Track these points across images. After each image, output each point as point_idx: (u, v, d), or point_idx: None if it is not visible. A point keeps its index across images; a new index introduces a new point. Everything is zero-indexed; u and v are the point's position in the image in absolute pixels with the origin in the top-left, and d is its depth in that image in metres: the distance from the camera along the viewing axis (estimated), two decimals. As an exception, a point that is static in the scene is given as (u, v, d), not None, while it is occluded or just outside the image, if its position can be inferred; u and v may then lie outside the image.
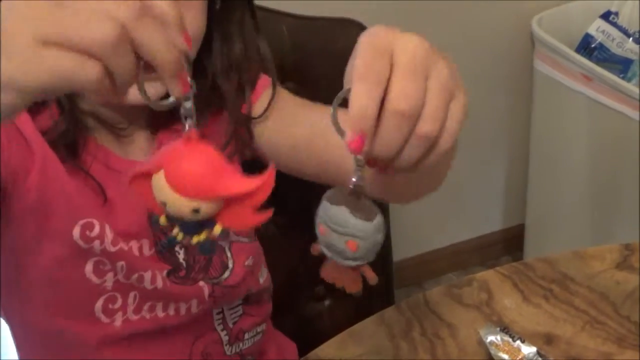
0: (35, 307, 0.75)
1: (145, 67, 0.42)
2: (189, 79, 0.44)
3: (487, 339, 0.75)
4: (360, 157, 0.47)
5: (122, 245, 0.72)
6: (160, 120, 0.76)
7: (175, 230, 0.47)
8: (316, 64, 0.98)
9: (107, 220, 0.71)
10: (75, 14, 0.40)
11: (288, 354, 0.96)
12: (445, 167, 0.68)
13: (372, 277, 0.52)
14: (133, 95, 0.44)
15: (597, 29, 1.65)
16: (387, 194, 0.69)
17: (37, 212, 0.69)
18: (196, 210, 0.44)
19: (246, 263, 0.82)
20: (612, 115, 1.50)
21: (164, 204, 0.45)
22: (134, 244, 0.73)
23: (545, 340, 0.78)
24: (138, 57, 0.42)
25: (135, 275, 0.73)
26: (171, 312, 0.77)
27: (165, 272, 0.75)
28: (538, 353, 0.73)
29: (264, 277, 0.87)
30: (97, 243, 0.70)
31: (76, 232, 0.69)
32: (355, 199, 0.49)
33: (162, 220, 0.47)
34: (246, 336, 0.86)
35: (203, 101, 0.66)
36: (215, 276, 0.79)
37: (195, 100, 0.45)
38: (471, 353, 0.77)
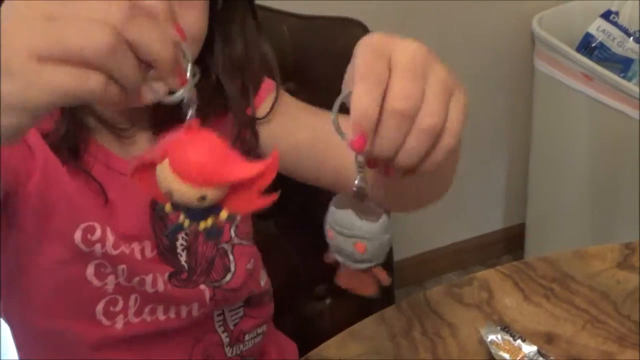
0: (36, 308, 0.75)
1: (145, 65, 0.42)
2: (189, 67, 0.44)
3: (487, 338, 0.75)
4: (361, 158, 0.48)
5: (123, 248, 0.72)
6: (162, 121, 0.76)
7: (181, 217, 0.47)
8: (317, 64, 0.98)
9: (109, 222, 0.71)
10: (67, 26, 0.39)
11: (288, 353, 0.96)
12: (448, 172, 0.68)
13: (385, 278, 0.53)
14: (144, 95, 0.44)
15: (598, 28, 1.65)
16: (391, 201, 0.69)
17: (38, 214, 0.68)
18: (202, 198, 0.44)
19: (247, 266, 0.82)
20: (612, 115, 1.50)
21: (170, 193, 0.45)
22: (135, 246, 0.73)
23: (546, 340, 0.78)
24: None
25: (137, 279, 0.73)
26: (172, 315, 0.77)
27: (167, 275, 0.75)
28: (539, 352, 0.73)
29: (264, 279, 0.87)
30: (98, 246, 0.70)
31: (77, 235, 0.69)
32: (360, 201, 0.50)
33: (168, 207, 0.47)
34: (247, 337, 0.86)
35: (207, 102, 0.66)
36: (217, 279, 0.79)
37: (198, 94, 0.45)
38: (472, 352, 0.77)
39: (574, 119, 1.62)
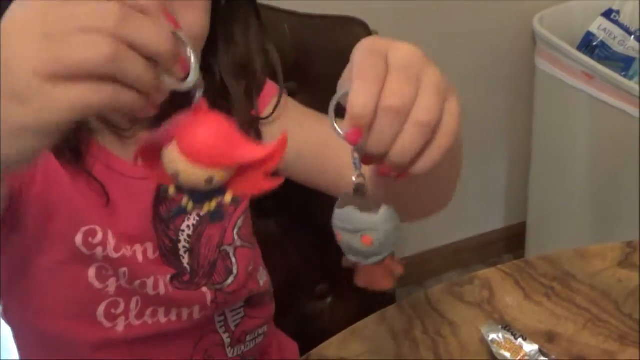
0: (37, 310, 0.75)
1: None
2: (188, 50, 0.43)
3: (488, 337, 0.75)
4: (357, 155, 0.49)
5: (124, 251, 0.71)
6: (164, 121, 0.76)
7: (185, 200, 0.47)
8: (317, 62, 0.98)
9: (110, 225, 0.71)
10: (64, 43, 0.39)
11: (289, 353, 0.96)
12: (450, 178, 0.68)
13: (398, 268, 0.54)
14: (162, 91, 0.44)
15: (599, 27, 1.65)
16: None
17: (40, 216, 0.68)
18: (210, 179, 0.44)
19: (249, 269, 0.82)
20: (613, 113, 1.49)
21: (177, 175, 0.44)
22: (138, 248, 0.73)
23: (547, 338, 0.77)
24: None
25: (138, 282, 0.73)
26: (173, 317, 0.77)
27: (169, 277, 0.75)
28: (540, 351, 0.73)
29: (263, 279, 0.87)
30: (99, 250, 0.70)
31: (78, 239, 0.69)
32: (360, 197, 0.51)
33: (172, 190, 0.46)
34: (248, 338, 0.86)
35: (211, 103, 0.66)
36: (219, 282, 0.79)
37: (204, 85, 0.45)
38: (473, 351, 0.77)
39: (574, 118, 1.61)
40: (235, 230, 0.80)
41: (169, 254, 0.76)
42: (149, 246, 0.74)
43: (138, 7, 0.40)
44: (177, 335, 0.78)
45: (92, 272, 0.71)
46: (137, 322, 0.75)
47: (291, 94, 0.89)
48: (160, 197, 0.74)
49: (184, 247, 0.76)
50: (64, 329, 0.75)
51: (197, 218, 0.77)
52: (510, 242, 2.00)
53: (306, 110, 0.83)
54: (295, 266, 1.05)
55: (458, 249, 1.97)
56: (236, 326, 0.84)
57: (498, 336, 0.75)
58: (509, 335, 0.74)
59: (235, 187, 0.46)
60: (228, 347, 0.83)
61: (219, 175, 0.45)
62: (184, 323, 0.77)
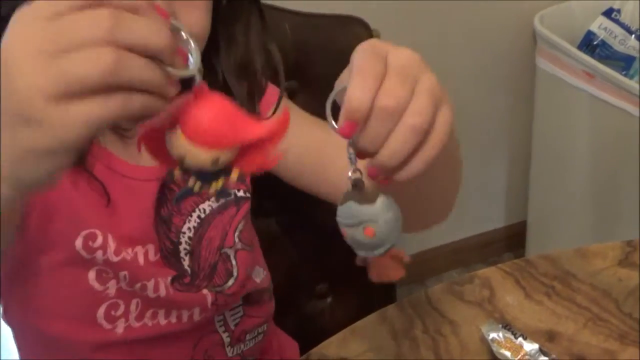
0: (37, 311, 0.75)
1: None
2: (185, 35, 0.44)
3: (489, 336, 0.75)
4: (352, 150, 0.50)
5: (124, 254, 0.71)
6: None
7: (191, 181, 0.47)
8: (318, 61, 0.98)
9: (111, 227, 0.71)
10: (63, 60, 0.38)
11: (289, 352, 0.96)
12: (450, 189, 0.68)
13: (404, 256, 0.55)
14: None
15: (600, 26, 1.65)
16: None
17: (41, 217, 0.68)
18: (216, 160, 0.45)
19: (248, 271, 0.82)
20: (614, 113, 1.49)
21: (182, 158, 0.45)
22: (139, 250, 0.73)
23: (547, 337, 0.77)
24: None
25: (139, 284, 0.73)
26: (173, 319, 0.77)
27: (169, 279, 0.75)
28: (540, 350, 0.73)
29: (260, 276, 0.87)
30: (99, 253, 0.70)
31: (78, 242, 0.69)
32: (358, 192, 0.52)
33: (177, 173, 0.46)
34: (248, 337, 0.85)
35: None
36: (220, 284, 0.79)
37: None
38: (473, 350, 0.77)
39: (575, 117, 1.61)
40: (237, 233, 0.80)
41: (170, 256, 0.76)
42: (150, 248, 0.74)
43: (127, 7, 0.40)
44: (177, 336, 0.78)
45: (92, 274, 0.71)
46: (137, 324, 0.75)
47: (291, 93, 0.89)
48: (161, 198, 0.74)
49: (184, 249, 0.76)
50: (63, 329, 0.75)
51: (197, 220, 0.77)
52: (510, 241, 2.00)
53: (307, 116, 0.84)
54: (295, 266, 1.05)
55: (458, 248, 1.97)
56: (235, 325, 0.84)
57: (498, 335, 0.75)
58: (509, 335, 0.74)
59: (240, 164, 0.47)
60: (228, 347, 0.83)
61: (224, 156, 0.45)
62: (183, 325, 0.77)
